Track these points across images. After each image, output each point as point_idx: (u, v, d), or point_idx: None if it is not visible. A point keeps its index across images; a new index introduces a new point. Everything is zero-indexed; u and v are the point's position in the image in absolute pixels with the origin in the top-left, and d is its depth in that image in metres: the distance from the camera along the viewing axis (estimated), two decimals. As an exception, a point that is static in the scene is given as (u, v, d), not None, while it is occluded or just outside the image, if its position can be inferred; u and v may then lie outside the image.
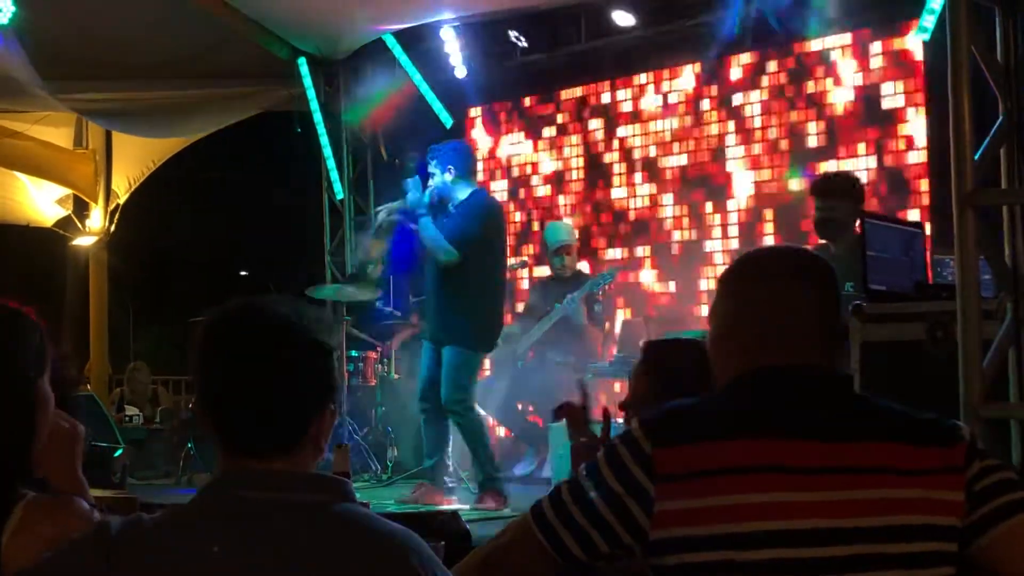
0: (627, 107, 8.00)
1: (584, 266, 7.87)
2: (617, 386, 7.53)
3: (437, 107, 8.36)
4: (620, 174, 8.01)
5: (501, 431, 7.84)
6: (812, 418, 1.70)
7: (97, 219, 9.79)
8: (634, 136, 7.95)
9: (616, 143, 8.05)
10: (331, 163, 8.88)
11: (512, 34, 7.80)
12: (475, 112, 8.77)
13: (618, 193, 8.03)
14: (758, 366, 1.76)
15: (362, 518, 1.65)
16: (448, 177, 5.89)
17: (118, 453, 6.23)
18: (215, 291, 9.33)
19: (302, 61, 8.63)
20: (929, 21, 6.21)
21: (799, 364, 1.75)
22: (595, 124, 8.17)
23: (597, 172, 8.14)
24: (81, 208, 9.93)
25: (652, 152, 7.86)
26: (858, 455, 1.66)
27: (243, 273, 9.86)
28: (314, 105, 8.73)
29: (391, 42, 8.31)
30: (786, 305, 1.78)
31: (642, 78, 7.91)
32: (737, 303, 1.82)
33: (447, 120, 8.41)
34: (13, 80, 7.54)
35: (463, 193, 5.92)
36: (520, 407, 7.44)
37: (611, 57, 7.82)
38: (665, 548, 1.64)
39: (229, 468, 1.67)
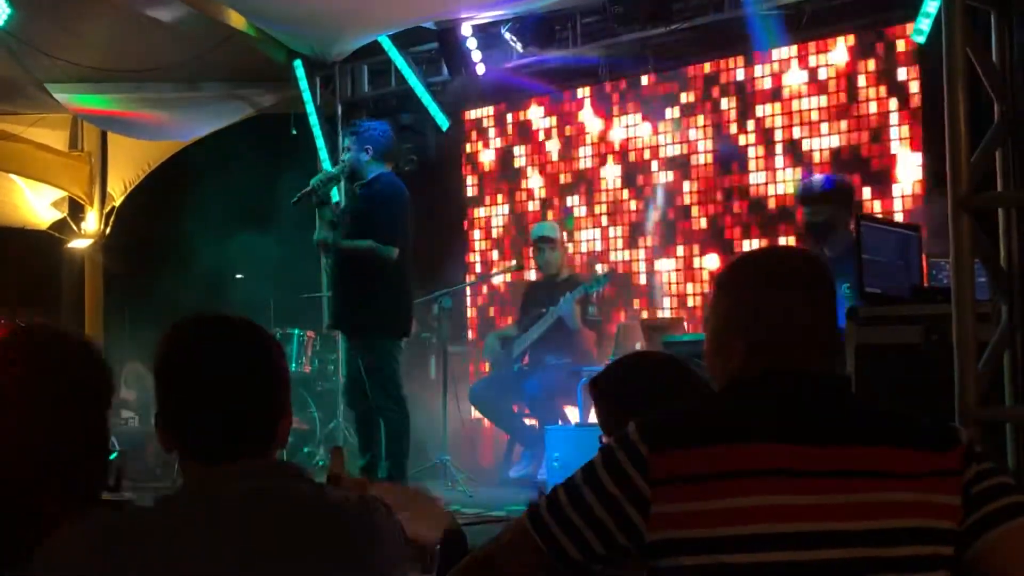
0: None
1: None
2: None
3: (433, 109, 8.36)
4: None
5: (496, 433, 7.85)
6: (809, 422, 1.70)
7: (92, 222, 9.79)
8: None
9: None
10: (327, 165, 8.87)
11: (508, 36, 7.78)
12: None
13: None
14: (756, 370, 1.75)
15: (326, 500, 1.74)
16: (364, 157, 6.15)
17: (113, 456, 6.22)
18: (211, 294, 9.31)
19: (298, 63, 8.63)
20: (925, 24, 6.22)
21: (797, 368, 1.75)
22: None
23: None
24: (76, 211, 9.92)
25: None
26: (855, 459, 1.66)
27: (239, 276, 9.82)
28: (310, 108, 8.74)
29: (387, 44, 8.30)
30: (785, 308, 1.78)
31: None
32: (735, 306, 1.82)
33: (443, 122, 8.40)
34: (10, 81, 7.55)
35: (372, 173, 6.15)
36: (516, 410, 7.44)
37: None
38: (661, 551, 1.64)
39: (199, 474, 1.74)
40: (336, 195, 7.07)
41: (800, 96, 7.22)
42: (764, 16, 6.91)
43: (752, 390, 1.74)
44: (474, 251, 8.81)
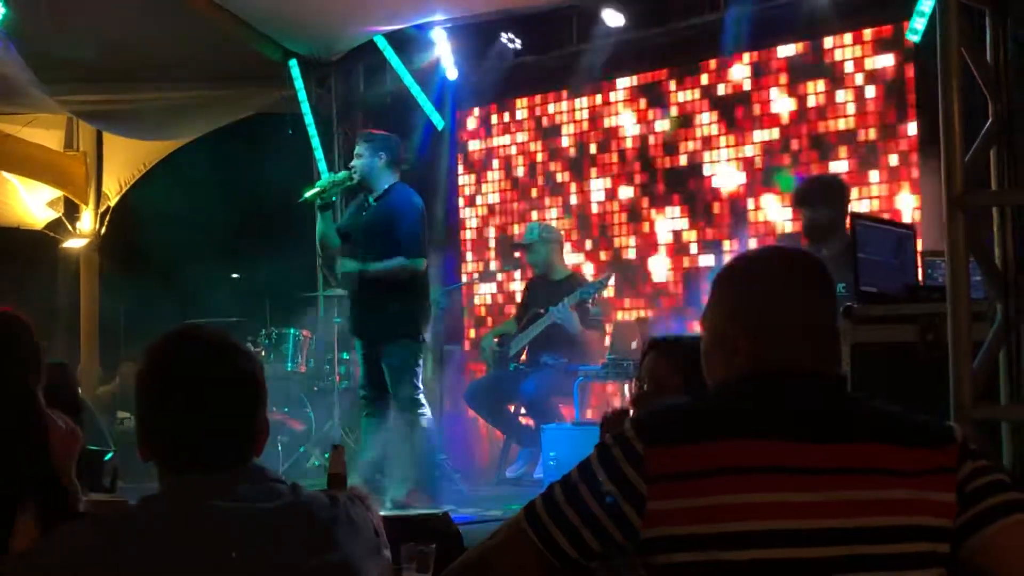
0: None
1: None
2: (609, 388, 7.55)
3: (428, 108, 8.36)
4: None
5: (493, 433, 7.85)
6: (804, 419, 1.70)
7: (88, 221, 9.77)
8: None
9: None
10: (322, 165, 8.88)
11: (505, 37, 7.78)
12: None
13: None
14: (754, 368, 1.76)
15: (304, 493, 1.80)
16: (378, 163, 6.07)
17: (108, 456, 6.22)
18: (207, 294, 9.31)
19: (293, 63, 8.62)
20: (919, 23, 6.23)
21: (795, 366, 1.75)
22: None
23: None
24: (72, 210, 9.90)
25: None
26: (850, 456, 1.67)
27: (235, 275, 9.83)
28: (305, 107, 8.73)
29: (382, 44, 8.30)
30: (785, 307, 1.78)
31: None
32: (736, 305, 1.82)
33: (439, 121, 8.40)
34: (5, 80, 7.53)
35: (385, 182, 6.09)
36: (512, 409, 7.44)
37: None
38: (657, 547, 1.65)
39: (176, 483, 1.79)
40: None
41: (799, 97, 7.20)
42: (762, 16, 6.91)
43: (750, 387, 1.75)
44: (467, 251, 8.81)
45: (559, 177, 8.34)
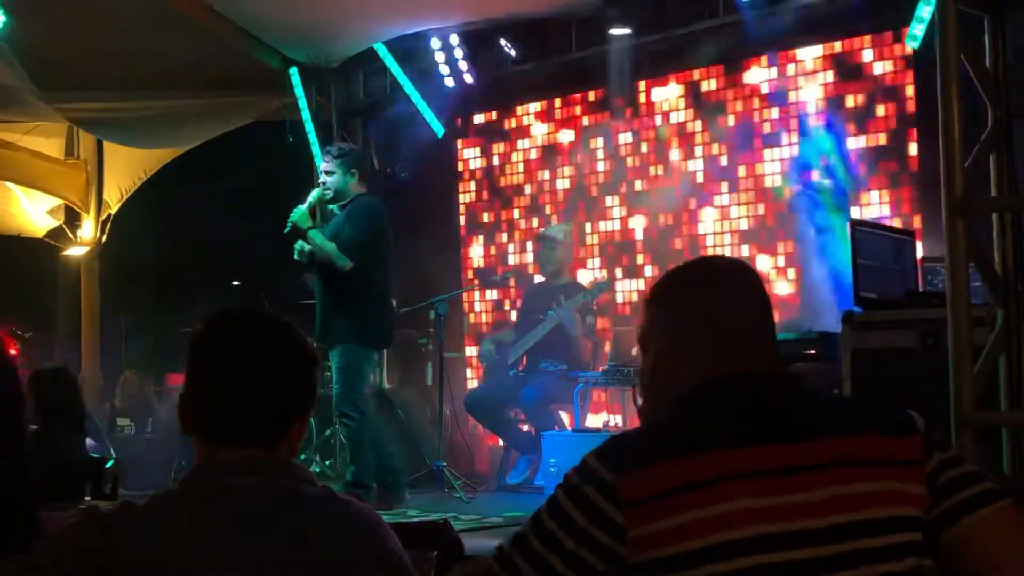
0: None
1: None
2: (605, 395, 7.55)
3: (428, 116, 8.36)
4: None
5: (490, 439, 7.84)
6: (765, 422, 1.69)
7: (88, 229, 9.78)
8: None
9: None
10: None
11: (503, 43, 7.79)
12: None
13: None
14: (706, 378, 1.74)
15: (333, 499, 1.77)
16: (351, 180, 6.20)
17: (109, 464, 6.22)
18: (207, 301, 9.29)
19: (293, 71, 8.63)
20: (919, 29, 6.23)
21: (747, 371, 1.74)
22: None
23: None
24: (72, 218, 9.92)
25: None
26: (814, 452, 1.66)
27: (235, 283, 9.83)
28: (305, 114, 8.74)
29: (382, 51, 8.31)
30: (727, 313, 1.77)
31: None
32: (678, 317, 1.80)
33: (439, 129, 8.41)
34: (6, 89, 7.54)
35: (354, 193, 6.22)
36: (512, 415, 7.43)
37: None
38: (647, 570, 1.63)
39: (208, 457, 1.77)
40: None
41: (799, 101, 7.21)
42: (759, 21, 6.91)
43: (705, 398, 1.73)
44: (467, 258, 8.82)
45: (559, 184, 8.35)
